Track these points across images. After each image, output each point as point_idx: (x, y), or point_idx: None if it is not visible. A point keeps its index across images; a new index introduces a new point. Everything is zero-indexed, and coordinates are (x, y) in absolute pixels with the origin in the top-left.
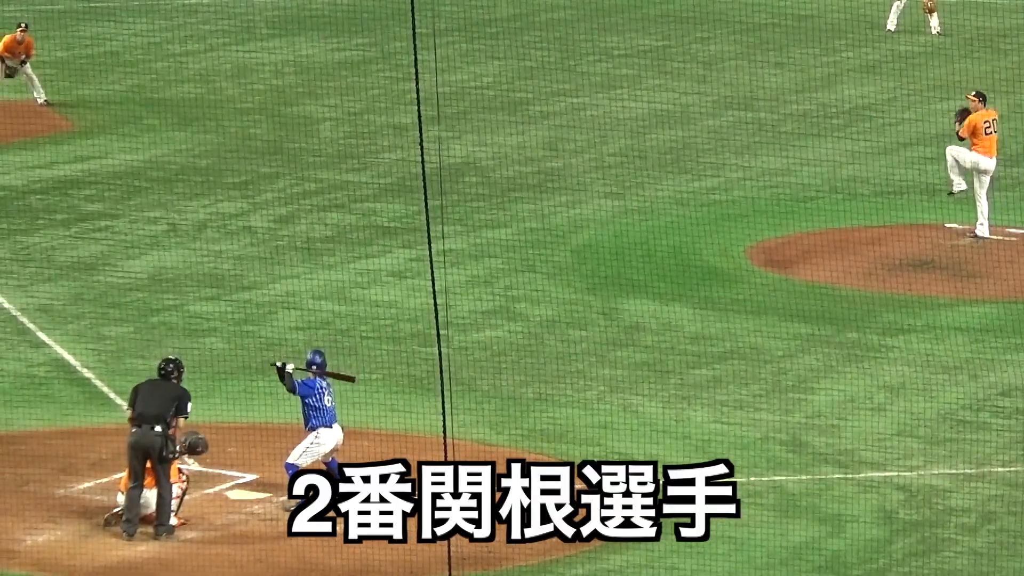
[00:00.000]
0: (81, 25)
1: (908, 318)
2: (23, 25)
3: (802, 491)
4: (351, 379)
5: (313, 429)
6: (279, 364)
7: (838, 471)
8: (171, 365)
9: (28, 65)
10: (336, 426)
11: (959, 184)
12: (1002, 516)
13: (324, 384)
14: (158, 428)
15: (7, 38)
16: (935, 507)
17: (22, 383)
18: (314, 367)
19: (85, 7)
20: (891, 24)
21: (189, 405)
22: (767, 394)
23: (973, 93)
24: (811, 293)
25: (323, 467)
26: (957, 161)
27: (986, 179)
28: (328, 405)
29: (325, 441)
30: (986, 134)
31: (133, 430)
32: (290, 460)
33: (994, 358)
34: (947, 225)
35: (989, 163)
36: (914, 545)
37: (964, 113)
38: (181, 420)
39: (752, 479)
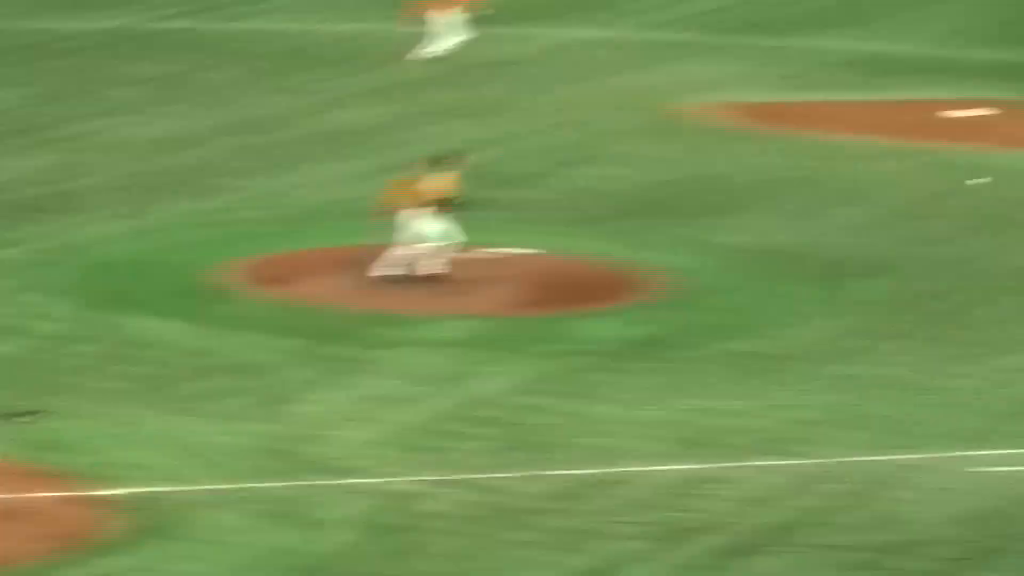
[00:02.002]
0: None
1: (392, 331)
2: None
3: (287, 497)
4: None
5: None
6: None
7: (323, 478)
8: None
9: None
10: None
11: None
12: (478, 520)
13: None
14: None
15: None
16: (413, 511)
17: None
18: None
19: None
20: (434, 49)
21: None
22: (257, 406)
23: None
24: (301, 310)
25: None
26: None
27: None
28: None
29: None
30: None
31: None
32: None
33: (469, 371)
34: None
35: None
36: (390, 549)
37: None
38: None
39: (240, 485)
